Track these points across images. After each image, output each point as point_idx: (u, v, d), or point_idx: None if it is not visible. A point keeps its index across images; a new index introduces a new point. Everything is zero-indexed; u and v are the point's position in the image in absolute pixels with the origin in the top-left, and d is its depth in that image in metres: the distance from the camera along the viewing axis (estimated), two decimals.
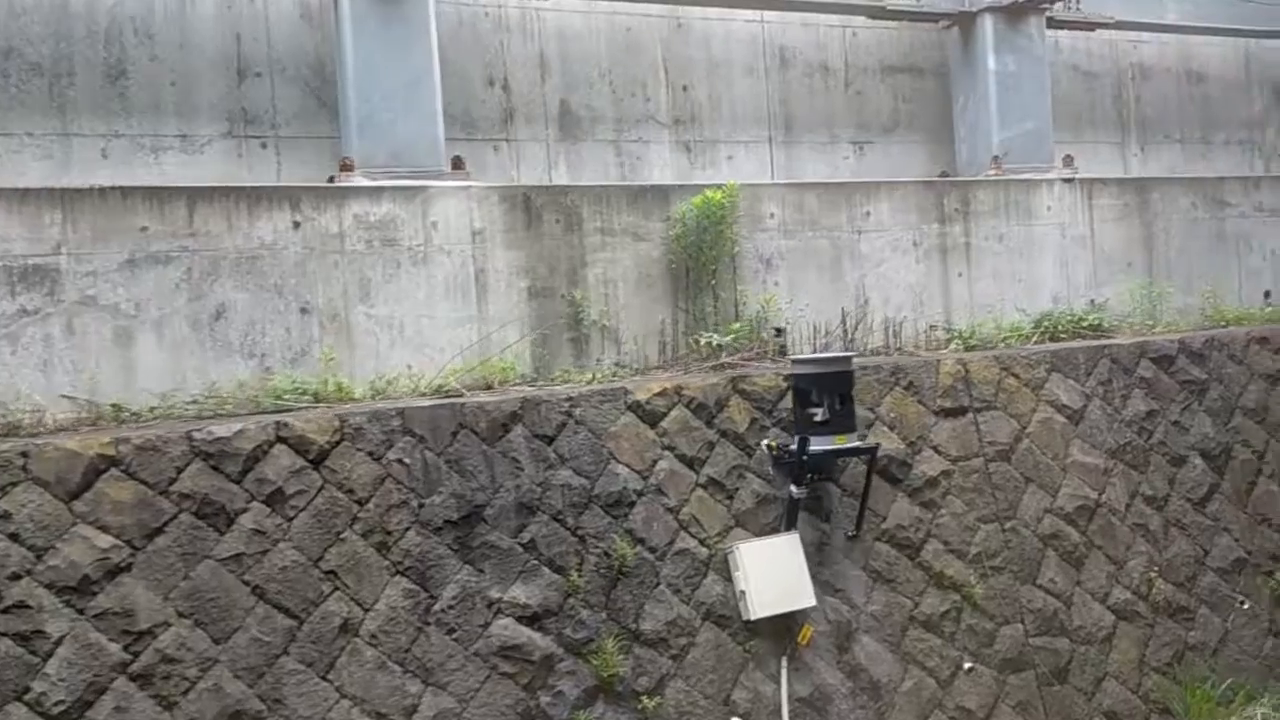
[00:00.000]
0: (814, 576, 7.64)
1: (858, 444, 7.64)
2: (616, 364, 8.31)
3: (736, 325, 8.47)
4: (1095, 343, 9.46)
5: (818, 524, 7.82)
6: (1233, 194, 11.52)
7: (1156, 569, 8.78)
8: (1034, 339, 9.72)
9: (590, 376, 7.95)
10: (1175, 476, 9.19)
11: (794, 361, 7.87)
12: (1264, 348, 10.03)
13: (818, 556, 7.74)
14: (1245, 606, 9.03)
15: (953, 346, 9.40)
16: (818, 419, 7.52)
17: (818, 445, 7.48)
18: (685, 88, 10.16)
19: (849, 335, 9.15)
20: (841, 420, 7.57)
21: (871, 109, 11.00)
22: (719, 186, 8.78)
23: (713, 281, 8.70)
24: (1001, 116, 10.71)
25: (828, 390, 7.56)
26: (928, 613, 7.91)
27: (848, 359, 7.84)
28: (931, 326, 9.53)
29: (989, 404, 8.69)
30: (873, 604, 7.79)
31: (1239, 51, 13.31)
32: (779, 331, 8.99)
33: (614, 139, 9.83)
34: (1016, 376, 8.88)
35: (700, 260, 8.66)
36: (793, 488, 7.55)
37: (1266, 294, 11.55)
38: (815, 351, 8.95)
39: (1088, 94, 12.24)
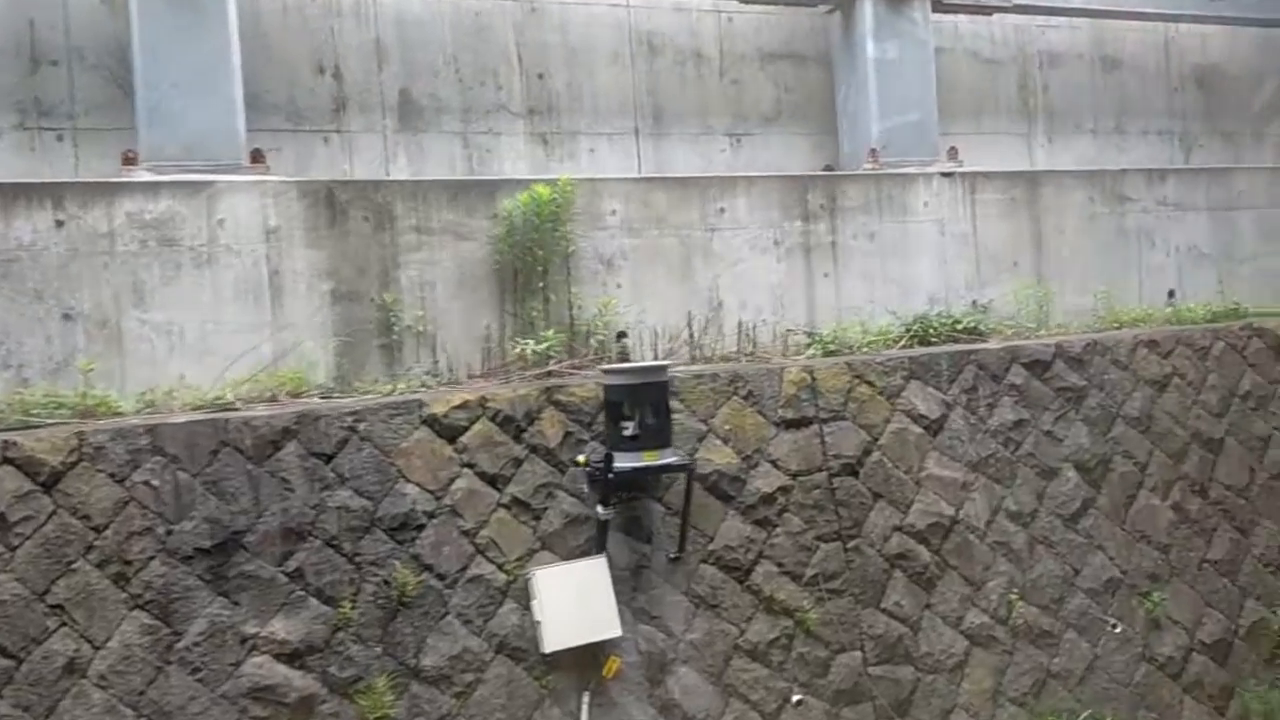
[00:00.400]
0: (628, 603, 7.10)
1: (671, 460, 7.08)
2: (428, 373, 7.73)
3: (550, 332, 7.87)
4: (963, 347, 8.88)
5: (636, 546, 7.26)
6: (1134, 188, 10.93)
7: (1017, 590, 8.22)
8: (901, 343, 9.15)
9: (392, 387, 7.39)
10: (1045, 490, 8.62)
11: (604, 372, 7.30)
12: (1152, 351, 9.46)
13: (633, 581, 7.18)
14: (1117, 630, 8.47)
15: (810, 352, 8.83)
16: (627, 434, 6.96)
17: (625, 462, 6.92)
18: (541, 76, 9.58)
19: (694, 340, 8.59)
20: (654, 435, 7.00)
21: (750, 99, 10.42)
22: (551, 181, 8.22)
23: (542, 284, 8.13)
24: (881, 107, 10.11)
25: (640, 403, 6.99)
26: (755, 640, 7.36)
27: (662, 369, 7.27)
28: (788, 331, 8.97)
29: (837, 414, 8.12)
30: (693, 632, 7.23)
31: (1158, 37, 12.70)
32: (621, 336, 8.44)
33: (461, 130, 9.25)
34: (870, 384, 8.31)
35: (530, 261, 8.09)
36: (599, 508, 6.99)
37: (1170, 294, 10.97)
38: (659, 358, 8.41)
39: (990, 82, 11.65)
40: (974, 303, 9.93)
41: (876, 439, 8.19)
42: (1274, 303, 11.11)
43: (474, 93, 9.32)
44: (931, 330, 9.32)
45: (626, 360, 8.37)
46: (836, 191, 9.47)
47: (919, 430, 8.34)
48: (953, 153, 10.33)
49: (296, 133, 8.66)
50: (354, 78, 8.91)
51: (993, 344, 9.06)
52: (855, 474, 8.03)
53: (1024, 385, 8.82)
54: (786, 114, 10.60)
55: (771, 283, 9.13)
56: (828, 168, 10.50)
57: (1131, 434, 9.09)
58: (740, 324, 8.84)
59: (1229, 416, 9.54)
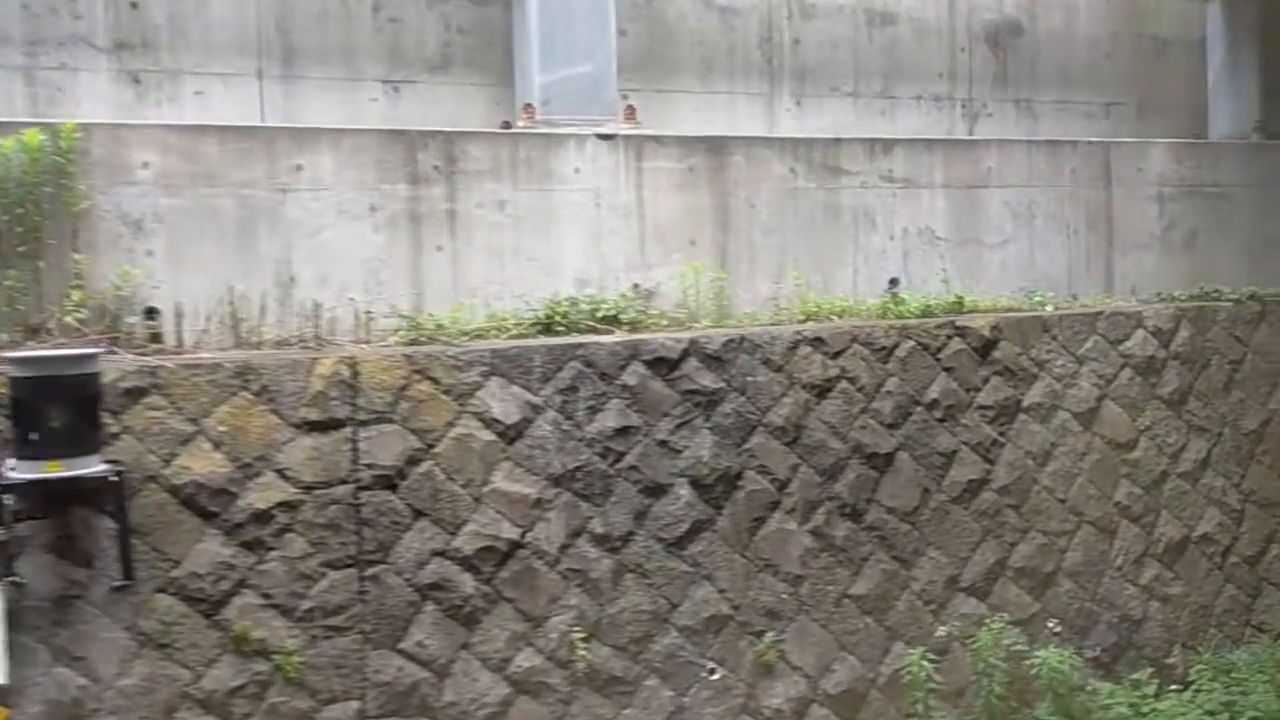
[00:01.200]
0: (45, 640, 5.90)
1: (85, 473, 5.85)
2: None
3: None
4: (568, 340, 7.64)
5: (70, 571, 6.04)
6: (852, 159, 9.60)
7: (586, 627, 7.03)
8: (512, 332, 7.89)
9: None
10: (648, 510, 7.41)
11: (11, 362, 6.06)
12: (816, 350, 8.21)
13: (56, 614, 5.97)
14: (714, 676, 7.29)
15: (396, 339, 7.60)
16: (31, 438, 5.75)
17: (21, 473, 5.71)
18: (134, 4, 8.24)
19: (236, 321, 7.33)
20: (66, 440, 5.77)
21: (412, 41, 9.09)
22: (50, 125, 6.96)
23: (28, 248, 6.82)
24: (544, 56, 8.79)
25: (47, 400, 5.77)
26: (213, 688, 6.16)
27: (85, 358, 6.00)
28: (368, 313, 7.70)
29: (382, 416, 6.89)
30: (128, 676, 6.02)
31: None
32: (151, 314, 7.20)
33: (26, 65, 7.93)
34: (434, 381, 7.07)
35: (12, 220, 6.83)
36: None
37: (893, 282, 9.66)
38: (186, 342, 7.18)
39: (725, 35, 10.31)
40: (636, 286, 8.67)
41: (431, 446, 6.96)
42: (1010, 296, 9.84)
43: (43, 21, 7.99)
44: (559, 317, 8.07)
45: (158, 342, 7.15)
46: (457, 151, 8.16)
47: (490, 437, 7.11)
48: (629, 112, 9.02)
49: None
50: None
51: (611, 337, 7.82)
52: (393, 488, 6.81)
53: (640, 386, 7.58)
54: (460, 61, 9.27)
55: (365, 256, 7.84)
56: (505, 124, 9.20)
57: (773, 446, 7.85)
58: (315, 304, 7.59)
59: (905, 428, 8.31)
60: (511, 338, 7.81)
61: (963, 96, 11.53)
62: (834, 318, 8.95)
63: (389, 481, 6.80)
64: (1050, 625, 8.26)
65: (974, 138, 10.81)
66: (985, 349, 8.75)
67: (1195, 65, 12.56)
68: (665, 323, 8.46)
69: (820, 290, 9.30)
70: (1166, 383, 9.39)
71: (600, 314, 8.21)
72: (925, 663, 7.36)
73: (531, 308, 8.17)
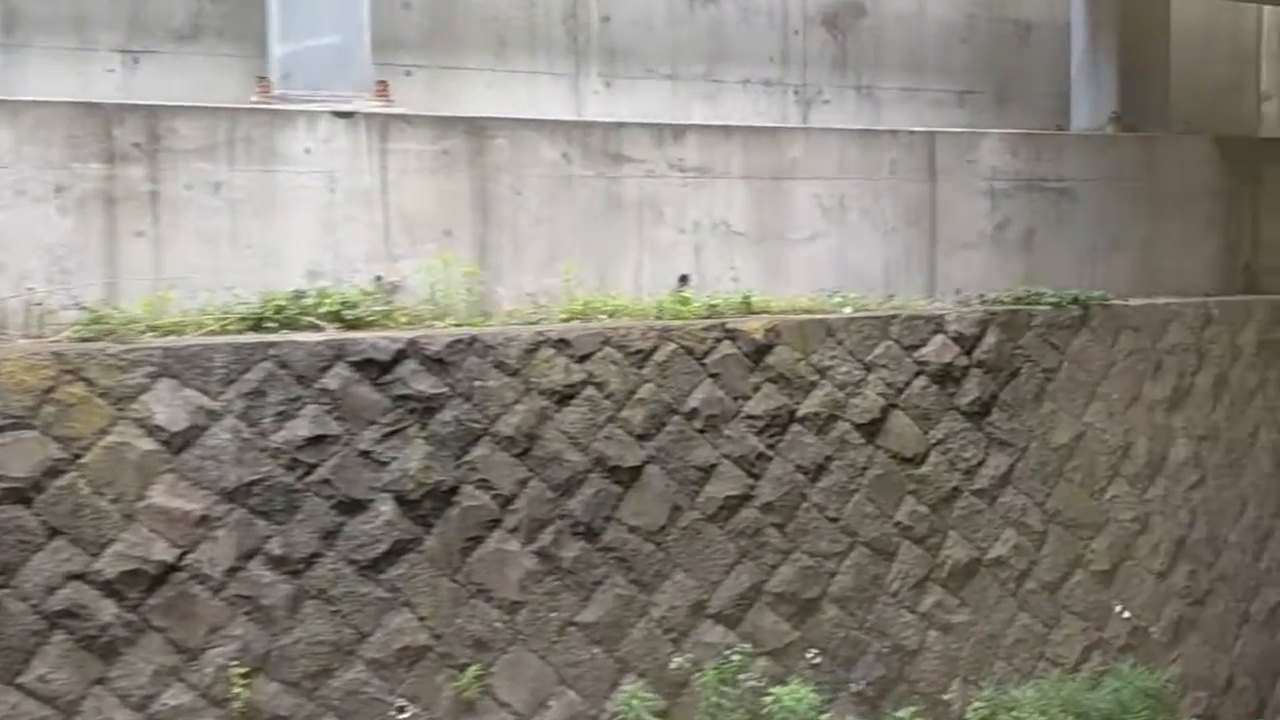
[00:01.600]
0: None
1: None
2: None
3: None
4: (262, 338, 6.89)
5: None
6: (636, 145, 8.85)
7: (248, 660, 6.31)
8: (220, 328, 7.16)
9: None
10: (340, 529, 6.70)
11: None
12: (560, 354, 7.47)
13: None
14: (403, 715, 6.60)
15: (70, 333, 6.86)
16: None
17: None
18: None
19: None
20: None
21: (156, 8, 8.31)
22: None
23: None
24: (285, 25, 8.04)
25: None
26: None
27: None
28: (38, 305, 6.95)
29: (20, 421, 6.12)
30: None
31: None
32: None
33: None
34: (88, 382, 6.33)
35: None
36: None
37: (683, 279, 8.92)
38: None
39: (525, 10, 9.56)
40: (379, 280, 7.94)
41: (78, 456, 6.23)
42: (811, 297, 9.12)
43: None
44: (274, 312, 7.34)
45: None
46: (162, 128, 7.39)
47: (150, 446, 6.37)
48: (381, 89, 8.26)
49: None
50: None
51: (315, 335, 7.09)
52: (27, 502, 6.08)
53: (342, 391, 6.86)
54: (213, 30, 8.50)
55: (49, 242, 7.07)
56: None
57: (499, 458, 7.14)
58: None
59: (658, 439, 7.61)
60: (211, 334, 7.08)
61: (796, 82, 10.81)
62: (604, 317, 8.26)
63: (21, 495, 6.06)
64: (809, 656, 7.60)
65: (776, 125, 10.09)
66: (758, 354, 8.05)
67: (1061, 52, 11.86)
68: (405, 320, 7.74)
69: (598, 287, 8.63)
70: (966, 392, 8.70)
71: (324, 309, 7.50)
72: (637, 700, 6.69)
73: (244, 301, 7.47)
